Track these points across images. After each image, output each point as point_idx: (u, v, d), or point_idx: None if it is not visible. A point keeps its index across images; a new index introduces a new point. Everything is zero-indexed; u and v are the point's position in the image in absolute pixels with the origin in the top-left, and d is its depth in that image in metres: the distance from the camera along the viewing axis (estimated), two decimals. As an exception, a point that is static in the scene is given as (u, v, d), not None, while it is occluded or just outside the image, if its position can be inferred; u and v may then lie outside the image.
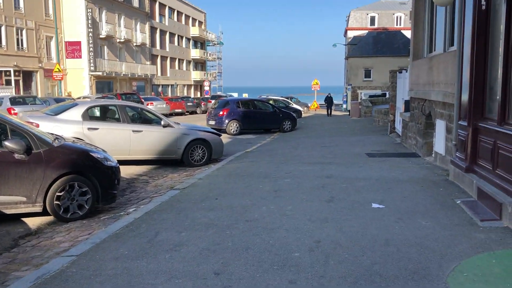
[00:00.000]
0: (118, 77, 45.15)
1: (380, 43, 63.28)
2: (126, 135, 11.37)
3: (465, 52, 6.70)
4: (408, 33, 66.26)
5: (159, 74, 56.08)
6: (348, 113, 37.67)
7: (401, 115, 13.59)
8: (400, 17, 70.42)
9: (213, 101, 26.32)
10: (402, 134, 13.58)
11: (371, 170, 8.67)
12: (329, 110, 37.04)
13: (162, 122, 11.74)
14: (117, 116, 11.63)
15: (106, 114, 12.02)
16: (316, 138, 17.27)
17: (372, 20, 71.17)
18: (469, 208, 5.54)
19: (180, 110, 37.44)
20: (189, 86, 66.53)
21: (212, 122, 21.67)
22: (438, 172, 8.12)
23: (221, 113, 21.18)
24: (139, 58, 50.80)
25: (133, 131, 11.42)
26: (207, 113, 22.75)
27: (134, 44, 49.16)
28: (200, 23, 71.44)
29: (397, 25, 69.94)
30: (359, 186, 7.20)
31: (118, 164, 7.77)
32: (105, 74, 41.90)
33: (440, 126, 8.75)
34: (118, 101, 13.19)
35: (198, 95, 65.73)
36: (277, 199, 6.66)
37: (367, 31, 66.97)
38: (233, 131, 20.87)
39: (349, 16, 72.14)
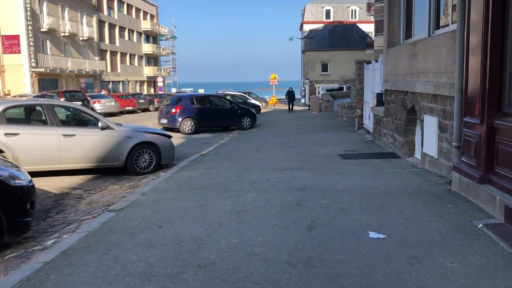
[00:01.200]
0: (63, 73, 42.06)
1: (336, 37, 62.80)
2: (55, 141, 9.43)
3: (472, 31, 5.30)
4: (363, 27, 66.15)
5: (109, 70, 53.13)
6: (307, 107, 36.53)
7: (373, 109, 12.28)
8: (355, 11, 70.21)
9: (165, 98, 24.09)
10: (375, 131, 12.27)
11: (351, 178, 7.19)
12: (290, 105, 35.40)
13: (100, 124, 9.87)
14: (43, 118, 9.64)
15: (30, 116, 10.00)
16: (279, 137, 15.76)
17: (328, 13, 70.56)
18: (499, 236, 4.13)
19: (131, 108, 35.06)
20: (141, 82, 63.68)
21: (164, 121, 19.78)
22: (433, 180, 6.73)
23: (173, 110, 19.31)
24: (86, 54, 47.73)
25: (64, 135, 9.50)
26: (158, 110, 20.78)
27: (81, 38, 46.08)
28: (152, 16, 68.55)
29: (352, 18, 69.67)
30: (343, 202, 5.68)
31: (31, 182, 5.91)
32: (48, 71, 38.80)
33: (430, 123, 7.40)
34: (44, 99, 11.18)
35: (152, 91, 63.03)
36: (240, 226, 5.04)
37: (323, 25, 66.35)
38: (188, 130, 19.08)
39: (304, 10, 71.26)
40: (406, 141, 9.14)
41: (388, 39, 10.33)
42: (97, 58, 49.65)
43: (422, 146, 7.91)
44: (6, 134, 8.97)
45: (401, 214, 5.05)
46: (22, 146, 9.10)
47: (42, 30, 38.95)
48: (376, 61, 13.04)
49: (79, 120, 10.28)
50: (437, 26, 7.79)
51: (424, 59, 7.65)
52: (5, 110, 9.20)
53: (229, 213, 5.62)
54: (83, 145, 9.71)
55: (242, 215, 5.46)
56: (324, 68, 62.21)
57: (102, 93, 37.15)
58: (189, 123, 19.15)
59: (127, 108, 34.73)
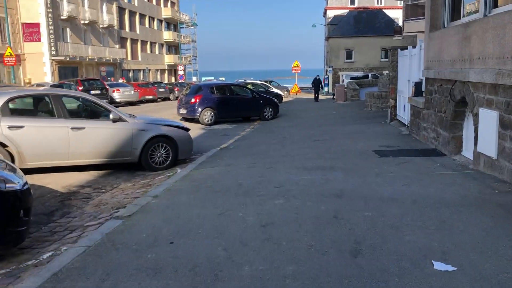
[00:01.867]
0: (83, 62, 41.67)
1: (361, 23, 60.96)
2: (63, 134, 8.66)
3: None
4: (389, 12, 64.02)
5: (129, 58, 52.62)
6: (332, 96, 35.24)
7: (410, 100, 11.16)
8: (381, -4, 67.96)
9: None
10: (412, 124, 11.16)
11: (395, 182, 6.17)
12: (316, 95, 33.90)
13: (111, 116, 9.05)
14: (50, 109, 8.87)
15: (36, 108, 9.25)
16: (304, 129, 14.74)
17: (352, -1, 68.53)
18: None
19: (151, 97, 34.42)
20: (162, 70, 63.13)
21: (183, 111, 18.95)
22: (495, 186, 5.66)
23: (193, 100, 18.45)
24: (106, 41, 47.27)
25: (72, 128, 8.72)
26: (177, 100, 19.97)
27: (101, 26, 45.58)
28: (173, 3, 67.73)
29: (378, 4, 67.51)
30: (391, 216, 4.69)
31: (26, 186, 5.10)
32: (68, 59, 38.40)
33: (487, 117, 6.32)
34: (51, 89, 10.42)
35: (172, 80, 62.49)
36: (267, 246, 4.12)
37: (347, 11, 64.47)
38: (207, 121, 18.22)
39: (328, -5, 69.36)
40: (453, 137, 8.05)
41: (431, 22, 9.19)
42: (117, 46, 49.15)
43: (475, 144, 6.82)
44: (10, 127, 8.23)
45: (468, 234, 4.05)
46: (27, 140, 8.35)
47: (62, 17, 38.51)
48: (414, 47, 11.88)
49: (89, 111, 9.48)
50: (495, 4, 6.66)
51: (481, 43, 6.54)
52: (8, 101, 8.44)
53: (252, 226, 4.70)
54: (94, 139, 8.92)
55: (269, 230, 4.53)
56: (349, 55, 60.50)
57: (120, 81, 36.49)
58: (209, 113, 18.28)
59: (147, 97, 34.10)
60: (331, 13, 67.53)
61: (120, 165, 9.59)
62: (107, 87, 28.23)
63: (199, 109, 18.23)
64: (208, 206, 5.61)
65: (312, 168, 7.51)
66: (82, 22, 41.90)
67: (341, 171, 7.12)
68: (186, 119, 19.39)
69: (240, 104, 19.28)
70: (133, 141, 9.22)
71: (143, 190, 7.56)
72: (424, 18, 26.05)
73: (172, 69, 64.77)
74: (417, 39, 32.42)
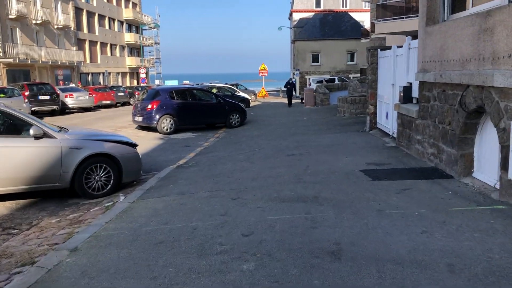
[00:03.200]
0: (36, 64, 38.67)
1: (327, 26, 60.14)
2: (-33, 156, 6.64)
3: None
4: (355, 15, 63.37)
5: (87, 61, 49.73)
6: (300, 101, 33.69)
7: (398, 108, 9.60)
8: (346, -1, 67.40)
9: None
10: (400, 135, 9.60)
11: (409, 227, 4.41)
12: (290, 99, 30.69)
13: (32, 131, 7.05)
14: (-51, 123, 6.82)
15: None
16: (275, 139, 13.01)
17: (318, 1, 67.66)
18: None
19: (108, 102, 32.01)
20: (123, 74, 60.33)
21: (139, 119, 16.92)
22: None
23: (149, 106, 16.45)
24: (62, 43, 44.34)
25: (-21, 148, 6.71)
26: (132, 106, 17.89)
27: (56, 26, 42.64)
28: (134, 4, 65.06)
29: (343, 7, 66.87)
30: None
31: None
32: (18, 61, 35.43)
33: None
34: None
35: (135, 83, 59.82)
36: None
37: (313, 13, 63.52)
38: (166, 129, 16.27)
39: (294, -2, 68.26)
40: (462, 155, 6.48)
41: (428, 14, 7.63)
42: (74, 48, 46.25)
43: (503, 168, 5.22)
44: None
45: None
46: None
47: (10, 17, 35.52)
48: (400, 46, 10.36)
49: (7, 126, 7.45)
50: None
51: (507, 37, 4.97)
52: None
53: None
54: (10, 161, 6.93)
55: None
56: (315, 58, 59.55)
57: (71, 85, 33.78)
58: (168, 121, 16.33)
59: (104, 102, 31.71)
60: (296, 16, 66.44)
61: (50, 191, 7.63)
62: (58, 92, 25.73)
63: (157, 116, 16.25)
64: (142, 275, 3.76)
65: (291, 199, 5.75)
66: (34, 22, 38.95)
67: (329, 205, 5.39)
68: (142, 128, 17.36)
69: (204, 110, 17.41)
70: (63, 162, 7.28)
71: (67, 232, 5.64)
72: (394, 19, 24.95)
73: (134, 72, 62.05)
74: (385, 41, 31.40)
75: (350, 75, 57.91)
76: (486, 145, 6.14)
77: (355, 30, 58.59)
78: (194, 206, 5.84)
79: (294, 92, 31.56)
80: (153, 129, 16.60)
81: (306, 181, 6.81)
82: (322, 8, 65.97)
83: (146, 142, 14.25)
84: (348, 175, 7.04)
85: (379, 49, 12.15)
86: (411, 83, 9.37)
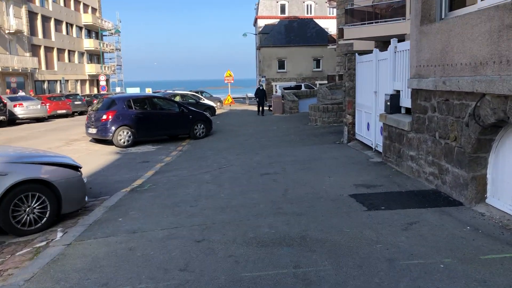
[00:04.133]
0: (-16, 71, 36.13)
1: (292, 32, 59.58)
2: None
3: None
4: (320, 22, 63.10)
5: (43, 68, 47.11)
6: (268, 108, 32.54)
7: (384, 118, 8.51)
8: (311, 6, 67.25)
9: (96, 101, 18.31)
10: (387, 149, 8.51)
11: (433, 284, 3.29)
12: (260, 108, 28.01)
13: None
14: None
15: None
16: (245, 153, 11.73)
17: (283, 8, 67.24)
18: None
19: (64, 111, 29.95)
20: (83, 81, 57.75)
21: (93, 131, 15.30)
22: None
23: (104, 117, 14.88)
24: (14, 49, 41.74)
25: None
26: (86, 117, 16.24)
27: (7, 31, 40.08)
28: (94, 9, 62.60)
29: (308, 13, 66.67)
30: None
31: None
32: (-36, 68, 32.90)
33: None
34: None
35: (95, 91, 57.32)
36: None
37: (278, 20, 62.92)
38: (124, 142, 14.73)
39: (258, 4, 67.47)
40: (473, 177, 5.39)
41: (423, 12, 6.55)
42: (28, 54, 43.65)
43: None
44: None
45: None
46: None
47: (-45, 20, 32.97)
48: (383, 50, 9.31)
49: None
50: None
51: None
52: None
53: None
54: None
55: None
56: (281, 65, 58.84)
57: (21, 94, 31.52)
58: (125, 133, 14.80)
59: (59, 111, 29.65)
60: (261, 22, 65.70)
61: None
62: (5, 101, 23.62)
63: (113, 128, 14.69)
64: None
65: (272, 242, 4.47)
66: (-18, 26, 36.41)
67: (322, 251, 4.14)
68: (97, 141, 15.74)
69: (165, 120, 15.94)
70: (-18, 192, 5.77)
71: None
72: (363, 24, 24.21)
73: (95, 80, 59.53)
74: (353, 47, 30.76)
75: (316, 82, 57.44)
76: (505, 165, 5.07)
77: (320, 37, 58.27)
78: (145, 253, 4.47)
79: (266, 99, 28.98)
80: (109, 142, 15.04)
81: (287, 212, 5.54)
82: (287, 14, 65.49)
83: (99, 157, 12.71)
84: (336, 203, 5.83)
85: (356, 54, 11.11)
86: (398, 91, 8.31)
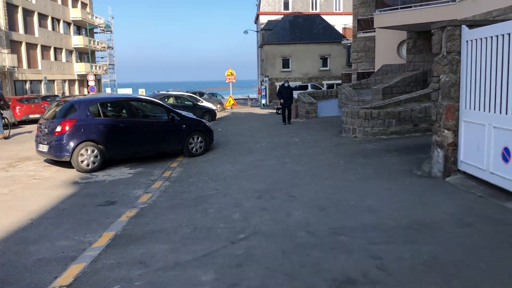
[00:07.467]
0: (-48, 70, 31.47)
1: (298, 29, 54.91)
2: None
3: None
4: (327, 18, 58.52)
5: (24, 66, 42.42)
6: (276, 111, 27.78)
7: None
8: (316, 1, 62.59)
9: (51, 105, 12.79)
10: None
11: None
12: (286, 113, 20.03)
13: None
14: None
15: None
16: (269, 191, 7.10)
17: (286, 4, 62.69)
18: None
19: (37, 116, 25.28)
20: (71, 81, 53.07)
21: (44, 148, 10.67)
22: None
23: (59, 129, 10.26)
24: (-11, 45, 37.10)
25: None
26: (36, 129, 11.55)
27: (-19, 24, 35.48)
28: (84, 4, 57.91)
29: (313, 9, 62.08)
30: None
31: None
32: None
33: None
34: None
35: (85, 92, 52.67)
36: None
37: (281, 16, 58.34)
38: (87, 165, 10.15)
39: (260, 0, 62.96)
40: None
41: None
42: (5, 51, 38.97)
43: None
44: None
45: None
46: None
47: None
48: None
49: None
50: None
51: None
52: None
53: None
54: None
55: None
56: (285, 64, 54.14)
57: None
58: (89, 151, 10.20)
59: (32, 115, 25.07)
60: (264, 19, 61.14)
61: None
62: (-45, 105, 18.92)
63: (71, 144, 10.10)
64: None
65: None
66: (-52, 17, 31.76)
67: None
68: (56, 162, 11.13)
69: (149, 131, 11.28)
70: None
71: None
72: (396, 9, 19.49)
73: (84, 80, 54.77)
74: (376, 40, 26.16)
75: (323, 82, 52.88)
76: None
77: (328, 34, 53.78)
78: None
79: (292, 101, 20.53)
80: (68, 164, 10.44)
81: None
82: (290, 10, 61.02)
83: (41, 194, 8.16)
84: None
85: (464, 27, 6.51)
86: None
